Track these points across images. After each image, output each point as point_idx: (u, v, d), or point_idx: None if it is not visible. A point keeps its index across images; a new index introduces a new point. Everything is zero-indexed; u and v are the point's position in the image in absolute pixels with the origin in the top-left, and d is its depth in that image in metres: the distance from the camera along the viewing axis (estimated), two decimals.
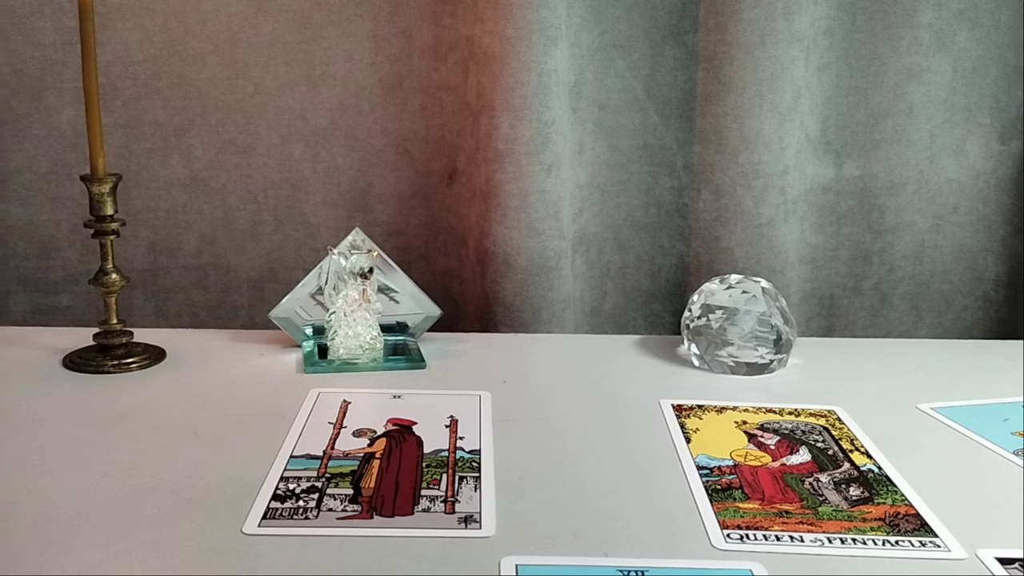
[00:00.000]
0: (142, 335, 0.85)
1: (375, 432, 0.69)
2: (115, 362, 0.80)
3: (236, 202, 1.00)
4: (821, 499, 0.61)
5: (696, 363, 0.84)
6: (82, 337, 0.83)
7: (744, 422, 0.72)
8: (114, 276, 0.81)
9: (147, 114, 0.97)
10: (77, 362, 0.81)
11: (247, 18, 0.96)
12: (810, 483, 0.63)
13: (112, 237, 0.80)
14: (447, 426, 0.70)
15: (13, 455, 0.64)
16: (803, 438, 0.70)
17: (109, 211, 0.79)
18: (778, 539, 0.56)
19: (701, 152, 0.97)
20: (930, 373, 0.84)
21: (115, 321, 0.82)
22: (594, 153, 0.98)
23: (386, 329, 0.85)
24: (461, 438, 0.68)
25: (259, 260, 1.01)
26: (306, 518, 0.57)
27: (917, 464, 0.66)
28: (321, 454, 0.65)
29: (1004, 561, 0.53)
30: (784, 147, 0.94)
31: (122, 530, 0.55)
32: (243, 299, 1.02)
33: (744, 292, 0.83)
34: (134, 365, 0.81)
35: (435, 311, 0.88)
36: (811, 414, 0.74)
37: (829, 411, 0.75)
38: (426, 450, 0.66)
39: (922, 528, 0.57)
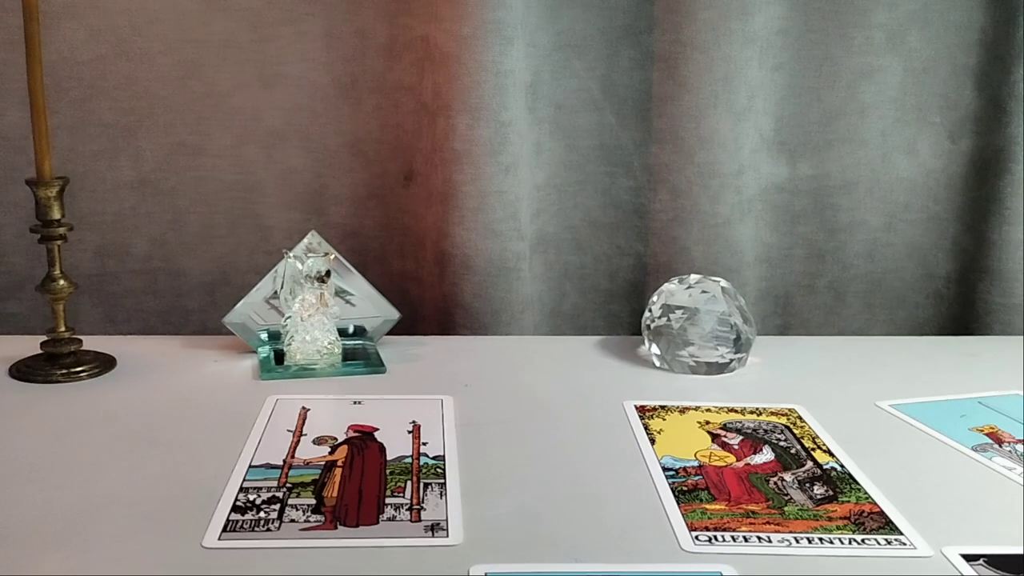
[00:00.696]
0: (91, 343, 0.82)
1: (336, 439, 0.68)
2: (64, 371, 0.78)
3: (187, 204, 0.98)
4: (787, 498, 0.61)
5: (657, 363, 0.84)
6: (29, 345, 0.81)
7: (707, 422, 0.72)
8: (62, 282, 0.79)
9: (94, 115, 0.95)
10: (24, 371, 0.78)
11: (198, 17, 0.94)
12: (775, 482, 0.63)
13: (59, 242, 0.78)
14: (410, 432, 0.69)
15: None
16: (766, 437, 0.70)
17: (56, 215, 0.77)
18: (746, 540, 0.56)
19: (658, 152, 0.97)
20: (887, 371, 0.84)
21: (63, 329, 0.80)
22: (552, 153, 0.98)
23: (343, 333, 0.84)
24: (424, 443, 0.67)
25: (211, 264, 0.99)
26: (268, 530, 0.56)
27: (879, 461, 0.66)
28: (281, 463, 0.64)
29: (969, 558, 0.54)
30: (739, 147, 0.95)
31: (79, 546, 0.54)
32: (195, 304, 1.00)
33: (704, 292, 0.83)
34: (84, 374, 0.78)
35: (394, 314, 0.87)
36: (772, 413, 0.74)
37: (790, 410, 0.75)
38: (389, 457, 0.65)
39: (887, 526, 0.58)
